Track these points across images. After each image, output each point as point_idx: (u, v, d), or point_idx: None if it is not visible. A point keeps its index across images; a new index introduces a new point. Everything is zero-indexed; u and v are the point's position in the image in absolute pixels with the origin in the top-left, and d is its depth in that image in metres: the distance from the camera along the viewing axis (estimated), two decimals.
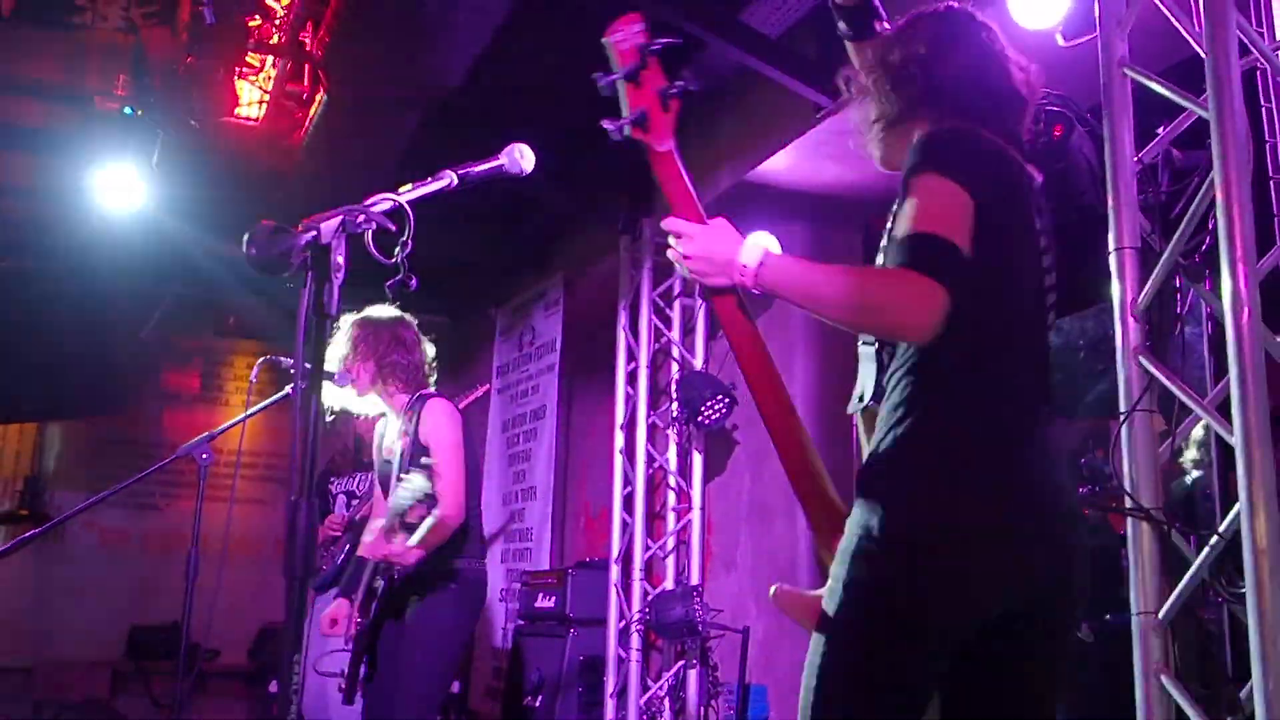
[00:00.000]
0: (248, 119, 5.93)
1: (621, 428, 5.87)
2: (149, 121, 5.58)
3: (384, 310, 3.77)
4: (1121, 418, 2.39)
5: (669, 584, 5.57)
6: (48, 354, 6.53)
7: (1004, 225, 1.74)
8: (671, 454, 5.74)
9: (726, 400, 5.25)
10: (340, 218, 1.65)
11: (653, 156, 1.96)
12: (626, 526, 5.76)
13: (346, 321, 3.74)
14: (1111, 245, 2.50)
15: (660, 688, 5.44)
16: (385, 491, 3.76)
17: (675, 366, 5.83)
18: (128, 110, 5.92)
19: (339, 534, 5.00)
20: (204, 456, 3.36)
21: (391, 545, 3.36)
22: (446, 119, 5.52)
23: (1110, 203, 2.52)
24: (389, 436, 3.82)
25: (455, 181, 2.10)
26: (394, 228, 1.76)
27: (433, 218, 6.90)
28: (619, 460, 5.84)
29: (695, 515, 5.52)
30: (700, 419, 5.26)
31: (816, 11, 4.75)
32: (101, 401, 6.79)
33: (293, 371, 3.64)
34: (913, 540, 1.63)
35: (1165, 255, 2.40)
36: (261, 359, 3.52)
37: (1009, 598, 1.64)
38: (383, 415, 5.08)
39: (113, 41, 6.64)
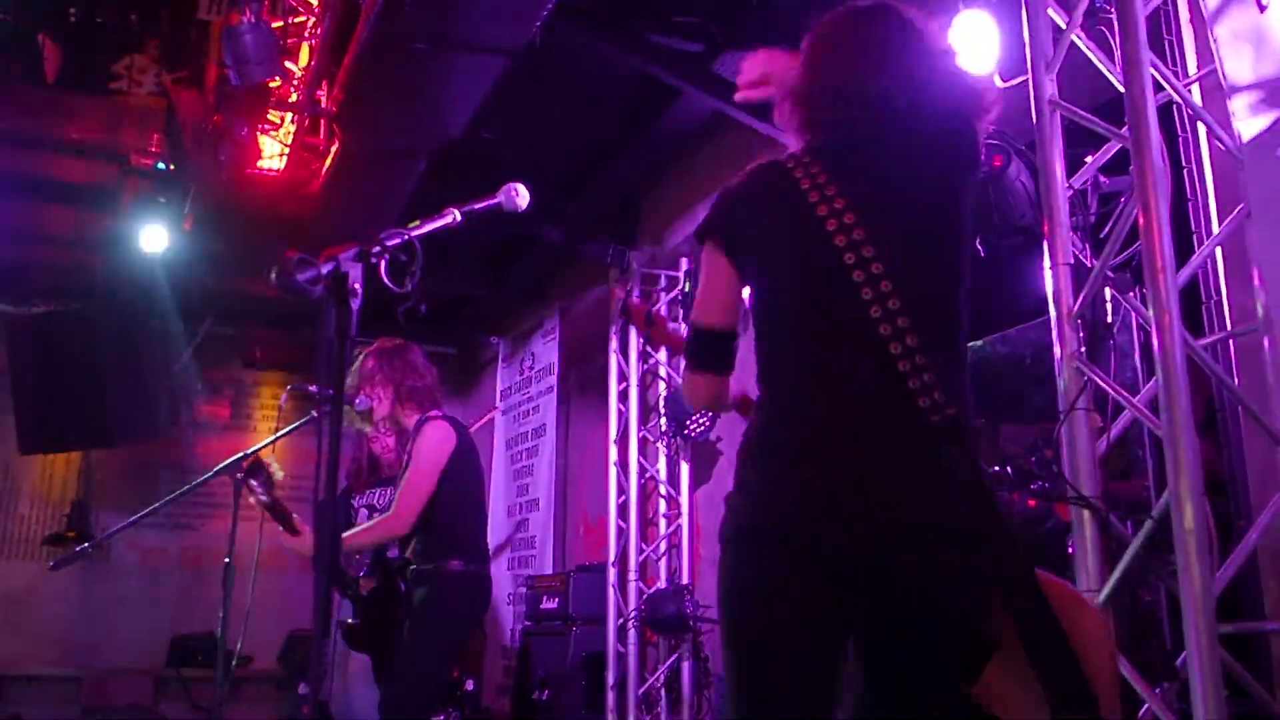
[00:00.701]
0: (269, 170, 5.96)
1: (615, 442, 5.90)
2: (180, 175, 5.62)
3: (394, 340, 3.82)
4: (1062, 417, 2.42)
5: (661, 584, 5.57)
6: (92, 388, 6.53)
7: (765, 260, 1.69)
8: (661, 465, 5.76)
9: (711, 415, 5.27)
10: (357, 249, 1.68)
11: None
12: (622, 532, 5.77)
13: (362, 353, 3.77)
14: (1048, 263, 2.54)
15: (657, 679, 5.43)
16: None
17: (662, 385, 5.86)
18: (160, 166, 5.98)
19: None
20: (239, 475, 3.37)
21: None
22: (449, 167, 5.57)
23: (1046, 225, 2.56)
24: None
25: (458, 218, 2.13)
26: (405, 259, 1.79)
27: (439, 258, 6.99)
28: (614, 472, 5.86)
29: (684, 520, 5.53)
30: (687, 432, 5.28)
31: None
32: (141, 430, 6.78)
33: (318, 396, 3.69)
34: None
35: (1096, 270, 2.45)
36: (290, 387, 3.54)
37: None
38: (390, 437, 5.14)
39: (147, 105, 6.71)
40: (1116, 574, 2.30)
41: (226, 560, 3.54)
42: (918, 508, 1.56)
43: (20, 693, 7.35)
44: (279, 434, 3.52)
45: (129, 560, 7.95)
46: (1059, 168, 2.59)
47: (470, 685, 6.70)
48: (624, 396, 5.95)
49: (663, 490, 5.72)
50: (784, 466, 1.65)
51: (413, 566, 3.74)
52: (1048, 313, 2.56)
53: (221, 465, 3.48)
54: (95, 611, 7.73)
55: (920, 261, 1.62)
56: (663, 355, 5.87)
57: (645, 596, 5.38)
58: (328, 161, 5.50)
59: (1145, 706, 2.28)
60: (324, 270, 1.61)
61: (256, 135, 4.80)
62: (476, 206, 2.18)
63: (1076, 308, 2.47)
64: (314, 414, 3.67)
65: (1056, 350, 2.49)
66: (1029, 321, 3.44)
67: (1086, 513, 2.37)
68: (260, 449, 3.58)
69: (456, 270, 7.34)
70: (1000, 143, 2.78)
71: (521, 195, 2.22)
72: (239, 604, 8.32)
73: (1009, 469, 2.72)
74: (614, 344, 6.02)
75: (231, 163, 4.59)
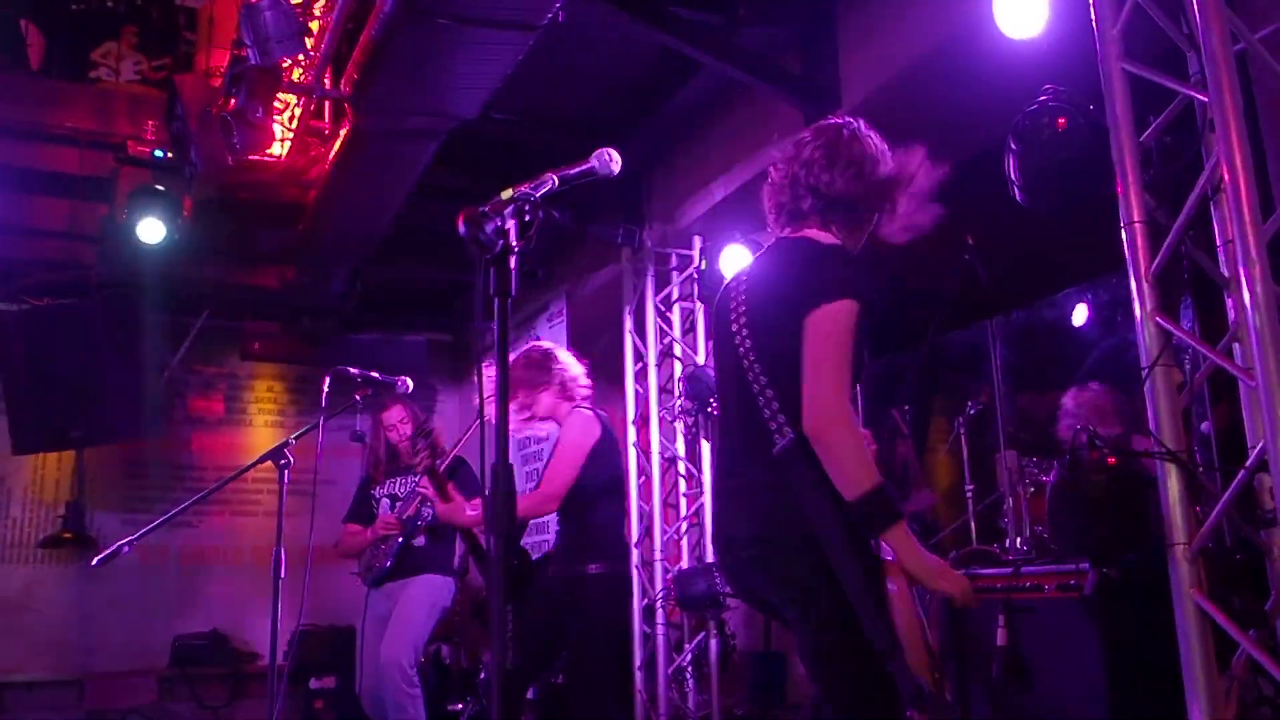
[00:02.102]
0: (270, 157, 5.89)
1: (634, 423, 5.90)
2: (181, 162, 5.53)
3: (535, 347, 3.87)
4: (1145, 373, 2.46)
5: (684, 563, 5.60)
6: (88, 386, 6.42)
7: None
8: (679, 444, 5.78)
9: None
10: (513, 204, 1.68)
11: None
12: (643, 513, 5.79)
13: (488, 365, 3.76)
14: (1123, 220, 2.58)
15: (684, 658, 5.46)
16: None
17: (678, 365, 5.87)
18: (159, 154, 5.88)
19: (394, 531, 4.98)
20: (282, 461, 3.33)
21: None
22: (456, 151, 5.54)
23: (1119, 183, 2.60)
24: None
25: (556, 183, 2.12)
26: (529, 218, 1.78)
27: (436, 241, 6.87)
28: (633, 453, 5.87)
29: (707, 499, 5.55)
30: (710, 409, 5.30)
31: (801, 31, 4.84)
32: (138, 428, 6.68)
33: (360, 380, 3.67)
34: None
35: (1176, 226, 2.48)
36: (333, 369, 3.50)
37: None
38: (408, 426, 5.11)
39: (137, 92, 6.60)
40: (1207, 525, 2.34)
41: (276, 549, 3.49)
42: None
43: (20, 699, 7.23)
44: (325, 417, 3.47)
45: (126, 560, 7.60)
46: (1129, 125, 2.62)
47: (483, 675, 6.74)
48: (640, 377, 5.95)
49: (682, 469, 5.73)
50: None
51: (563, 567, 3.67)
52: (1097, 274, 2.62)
53: (269, 450, 3.42)
54: (93, 613, 7.62)
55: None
56: (677, 332, 5.88)
57: (673, 575, 5.40)
58: (336, 146, 5.44)
59: (1240, 650, 2.33)
60: (504, 224, 1.60)
61: (271, 118, 4.73)
62: (571, 172, 2.17)
63: (1156, 266, 2.51)
64: (356, 398, 3.67)
65: (1136, 309, 2.52)
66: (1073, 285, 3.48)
67: (1173, 466, 2.41)
68: (304, 433, 3.54)
69: (453, 257, 7.30)
70: (1060, 102, 2.81)
71: (615, 160, 2.21)
72: (242, 601, 8.30)
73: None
74: (629, 324, 6.02)
75: (245, 146, 4.51)
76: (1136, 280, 2.53)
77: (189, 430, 8.16)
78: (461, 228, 1.63)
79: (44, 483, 7.68)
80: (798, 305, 2.08)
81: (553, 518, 3.85)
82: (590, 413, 3.77)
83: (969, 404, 4.51)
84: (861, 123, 2.39)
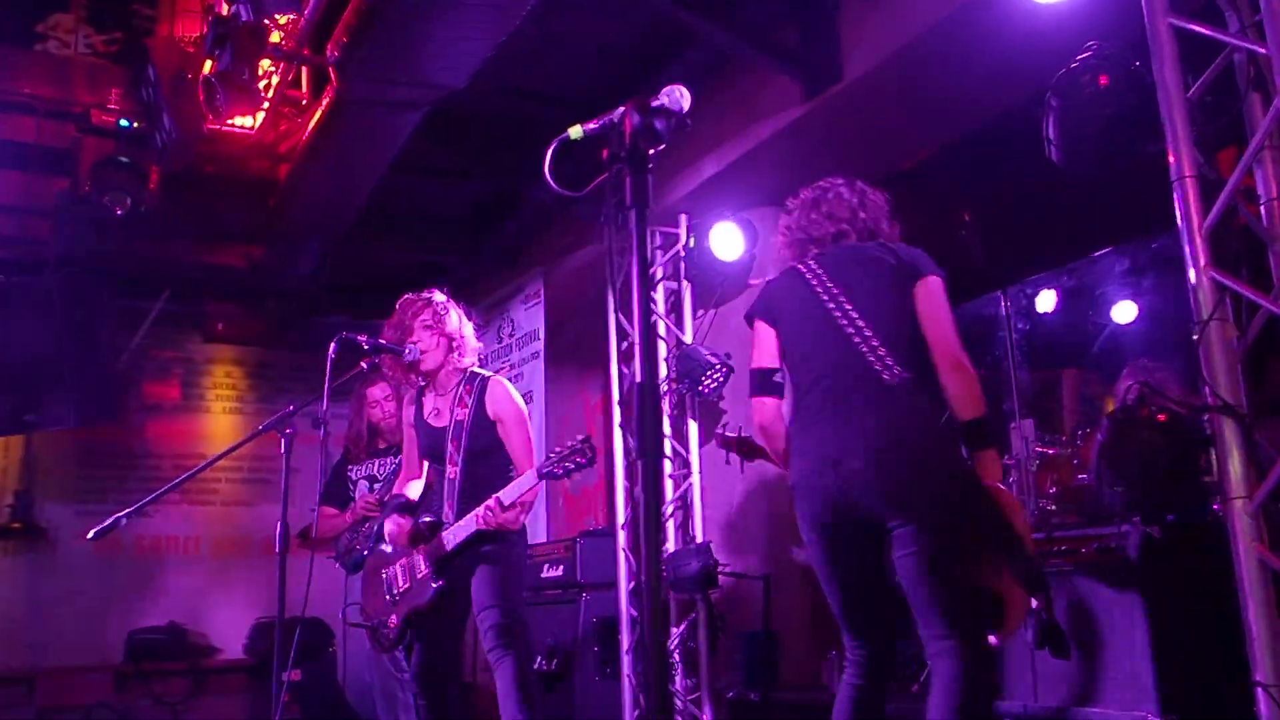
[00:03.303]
0: (242, 127, 5.67)
1: (619, 403, 5.79)
2: (149, 132, 5.30)
3: (442, 292, 3.71)
4: (1199, 328, 2.43)
5: (670, 545, 5.50)
6: (43, 368, 6.13)
7: (783, 323, 2.79)
8: (664, 425, 5.69)
9: (725, 369, 5.22)
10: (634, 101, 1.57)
11: None
12: (630, 494, 5.68)
13: (409, 302, 3.62)
14: (1174, 176, 2.55)
15: (672, 640, 5.36)
16: (436, 458, 3.63)
17: (661, 343, 5.77)
18: (124, 123, 5.63)
19: (374, 513, 4.80)
20: (288, 430, 3.17)
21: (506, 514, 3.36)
22: (437, 126, 5.39)
23: (1168, 139, 2.57)
24: (438, 408, 3.67)
25: (637, 117, 2.00)
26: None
27: (405, 223, 6.67)
28: (618, 434, 5.76)
29: (695, 479, 5.46)
30: (701, 388, 5.21)
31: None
32: (96, 412, 6.40)
33: (366, 346, 3.51)
34: None
35: (1231, 182, 2.46)
36: (341, 335, 3.33)
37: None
38: (391, 403, 4.93)
39: (95, 61, 6.32)
40: (1271, 478, 2.32)
41: (280, 523, 3.32)
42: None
43: None
44: (332, 383, 3.31)
45: (78, 551, 7.51)
46: (1177, 81, 2.59)
47: None
48: (625, 356, 5.84)
49: (668, 449, 5.63)
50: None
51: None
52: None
53: (272, 419, 3.25)
54: (44, 607, 7.30)
55: None
56: (661, 307, 5.77)
57: (667, 556, 5.29)
58: (315, 116, 5.25)
59: None
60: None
61: (257, 79, 4.53)
62: (652, 104, 2.04)
63: (1210, 221, 2.48)
64: (363, 365, 3.51)
65: (1188, 262, 2.50)
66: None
67: (1229, 421, 2.38)
68: (311, 403, 3.37)
69: (423, 238, 7.13)
70: (1102, 59, 2.78)
71: (685, 96, 2.10)
72: (199, 594, 8.00)
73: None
74: (612, 302, 5.91)
75: (230, 108, 4.31)
76: (1189, 236, 2.51)
77: (144, 417, 7.86)
78: (633, 116, 1.53)
79: None
80: (906, 278, 2.68)
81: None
82: (503, 378, 3.72)
83: None
84: None
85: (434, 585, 3.43)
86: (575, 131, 1.96)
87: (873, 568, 2.57)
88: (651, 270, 5.85)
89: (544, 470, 3.27)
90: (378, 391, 4.94)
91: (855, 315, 2.66)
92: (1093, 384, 5.13)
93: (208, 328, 7.17)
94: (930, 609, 2.45)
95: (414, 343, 3.50)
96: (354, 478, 5.11)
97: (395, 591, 3.56)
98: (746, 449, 4.08)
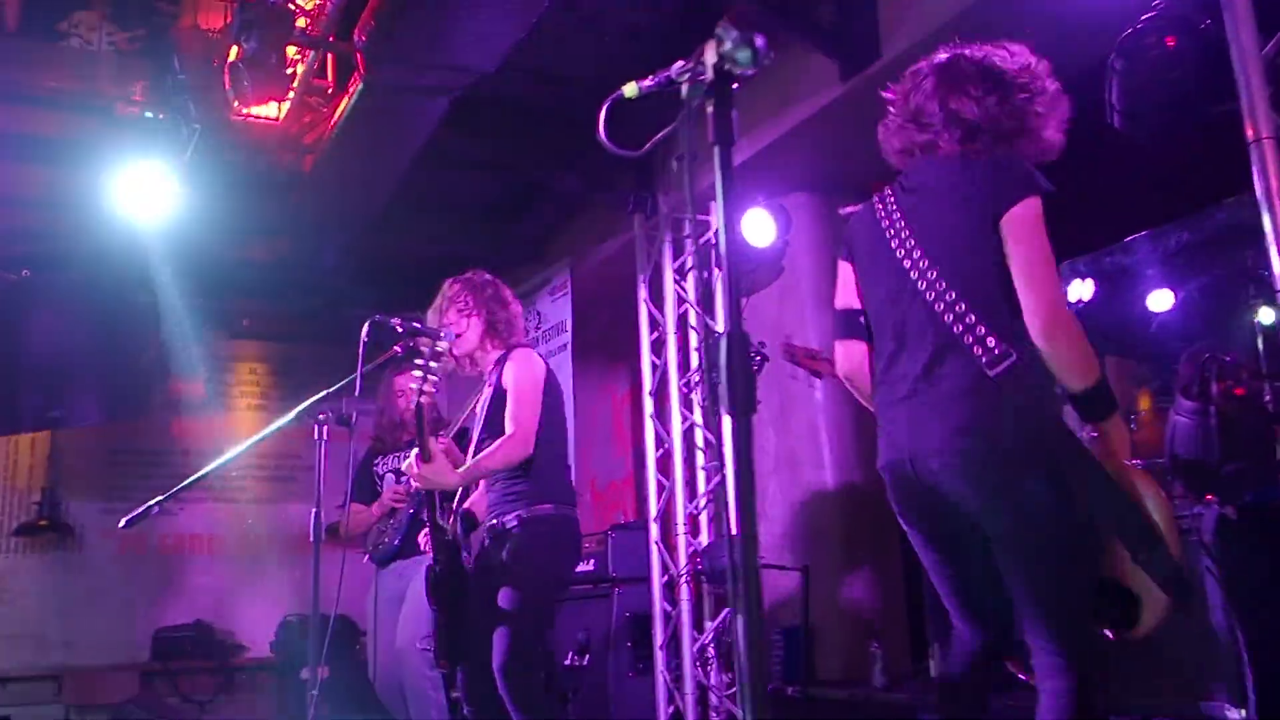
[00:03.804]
0: (266, 118, 5.60)
1: (651, 394, 5.69)
2: (178, 121, 5.24)
3: (480, 271, 3.61)
4: None
5: (704, 538, 5.40)
6: (69, 364, 6.08)
7: (859, 268, 2.39)
8: (697, 415, 5.57)
9: (759, 359, 5.10)
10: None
11: None
12: (662, 488, 5.58)
13: (448, 284, 3.54)
14: (1250, 138, 2.42)
15: (708, 636, 5.26)
16: (463, 449, 3.54)
17: (692, 334, 5.67)
18: (149, 115, 5.57)
19: (402, 503, 4.71)
20: (320, 416, 3.07)
21: (429, 467, 3.20)
22: (461, 112, 5.29)
23: (1242, 99, 2.44)
24: (479, 395, 3.61)
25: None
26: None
27: (429, 215, 6.54)
28: (650, 425, 5.66)
29: (730, 471, 5.34)
30: None
31: None
32: (123, 408, 6.35)
33: (400, 330, 3.42)
34: None
35: None
36: (374, 318, 3.24)
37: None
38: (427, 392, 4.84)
39: (121, 54, 6.27)
40: None
41: (315, 512, 3.22)
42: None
43: None
44: (364, 368, 3.21)
45: (104, 550, 7.47)
46: (1251, 38, 2.47)
47: None
48: (656, 348, 5.75)
49: (700, 440, 5.52)
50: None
51: (493, 521, 3.49)
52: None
53: (304, 405, 3.15)
54: (70, 605, 7.25)
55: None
56: (692, 295, 5.66)
57: (702, 549, 5.19)
58: (341, 105, 5.17)
59: None
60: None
61: (285, 63, 4.45)
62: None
63: None
64: (397, 349, 3.42)
65: (1267, 229, 2.37)
66: None
67: None
68: (344, 385, 3.27)
69: (448, 230, 7.04)
70: (1169, 19, 2.65)
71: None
72: (225, 592, 7.93)
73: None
74: (643, 293, 5.81)
75: (259, 92, 4.23)
76: (1268, 201, 2.38)
77: (168, 415, 7.79)
78: (732, 32, 1.41)
79: (17, 469, 7.29)
80: (990, 204, 2.11)
81: None
82: (531, 349, 3.58)
83: None
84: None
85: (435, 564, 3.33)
86: (630, 89, 1.85)
87: (975, 561, 2.22)
88: (681, 259, 5.75)
89: None
90: (405, 380, 4.85)
91: (932, 273, 2.16)
92: (1133, 372, 5.00)
93: (232, 324, 7.10)
94: (1034, 621, 2.09)
95: (449, 326, 3.40)
96: (380, 471, 5.01)
97: None
98: (814, 367, 3.65)
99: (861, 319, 2.42)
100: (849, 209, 2.61)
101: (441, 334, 3.39)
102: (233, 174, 5.85)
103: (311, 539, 3.33)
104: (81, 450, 7.45)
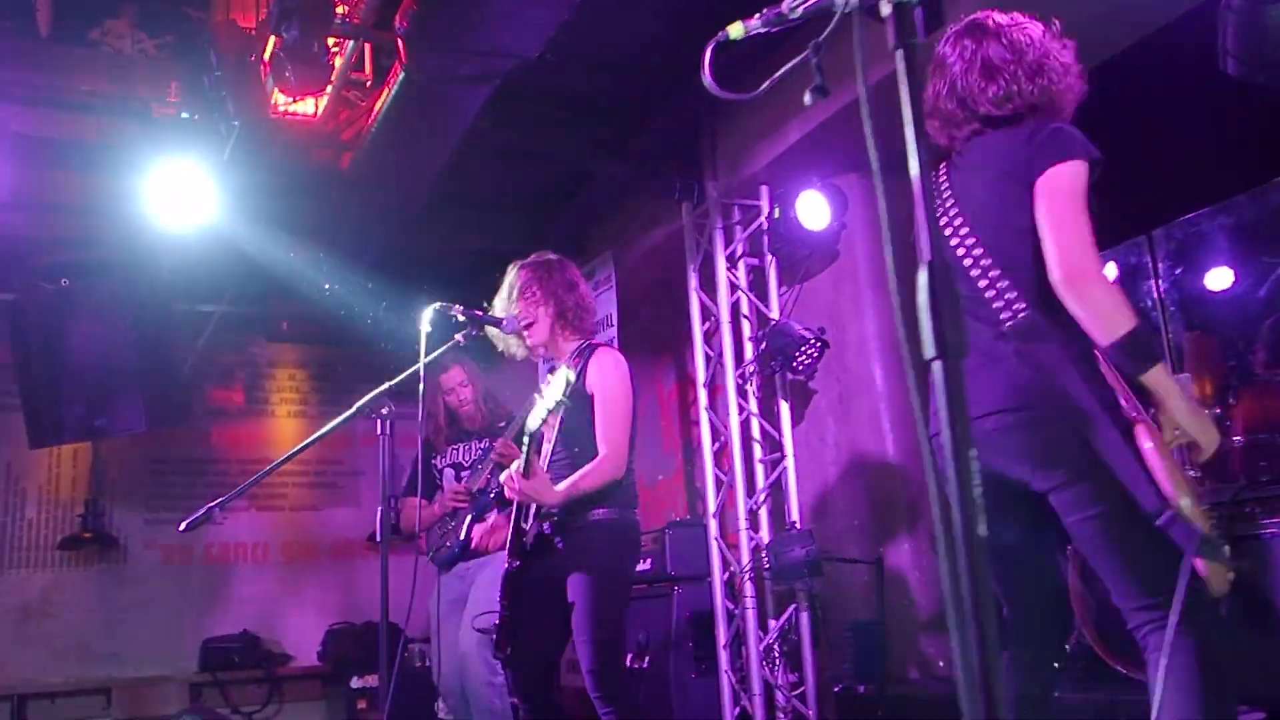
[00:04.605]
0: (303, 114, 5.47)
1: (705, 386, 5.52)
2: (215, 120, 5.12)
3: (548, 254, 3.44)
4: None
5: (764, 534, 5.21)
6: (111, 372, 5.98)
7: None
8: (752, 406, 5.39)
9: (818, 345, 4.93)
10: None
11: None
12: (720, 482, 5.41)
13: (513, 268, 3.36)
14: None
15: (772, 635, 5.07)
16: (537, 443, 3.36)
17: (745, 323, 5.49)
18: (185, 115, 5.45)
19: (464, 504, 4.55)
20: (384, 410, 2.92)
21: (531, 483, 2.98)
22: (504, 102, 5.14)
23: None
24: (551, 388, 3.43)
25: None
26: None
27: (469, 210, 6.32)
28: (705, 417, 5.49)
29: (790, 462, 5.17)
30: (795, 364, 4.92)
31: None
32: (166, 415, 6.24)
33: (461, 319, 3.26)
34: None
35: None
36: (438, 306, 3.09)
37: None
38: (468, 389, 4.68)
39: (151, 57, 6.16)
40: None
41: (381, 509, 3.07)
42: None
43: (43, 711, 6.76)
44: (426, 359, 3.05)
45: (148, 561, 7.39)
46: None
47: None
48: (709, 338, 5.57)
49: (757, 433, 5.34)
50: None
51: (559, 523, 3.31)
52: None
53: (365, 399, 2.99)
54: (116, 618, 7.17)
55: None
56: (743, 280, 5.48)
57: (766, 544, 5.01)
58: (379, 99, 5.02)
59: None
60: None
61: (327, 51, 4.32)
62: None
63: None
64: (458, 339, 3.26)
65: None
66: None
67: None
68: (404, 377, 3.12)
69: (487, 225, 6.89)
70: None
71: None
72: (270, 601, 7.81)
73: None
74: (694, 281, 5.63)
75: (301, 83, 4.09)
76: None
77: (209, 422, 7.72)
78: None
79: (60, 481, 7.22)
80: (1024, 173, 2.11)
81: None
82: (615, 350, 3.38)
83: None
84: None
85: (508, 568, 3.16)
86: (736, 30, 1.69)
87: (1027, 541, 2.17)
88: (730, 247, 5.57)
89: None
90: (454, 377, 4.71)
91: (971, 240, 2.18)
92: (1216, 349, 4.77)
93: (272, 326, 6.98)
94: (1119, 576, 2.03)
95: (516, 313, 3.25)
96: (439, 466, 4.85)
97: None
98: None
99: None
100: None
101: (505, 323, 3.24)
102: (270, 174, 5.72)
103: (379, 536, 3.14)
104: (123, 461, 7.37)
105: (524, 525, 3.13)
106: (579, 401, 3.17)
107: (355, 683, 6.87)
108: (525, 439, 3.00)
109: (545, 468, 3.15)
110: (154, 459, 7.48)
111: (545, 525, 3.16)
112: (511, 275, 3.35)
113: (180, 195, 5.47)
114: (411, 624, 5.27)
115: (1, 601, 6.92)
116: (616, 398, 3.20)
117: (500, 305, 3.30)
